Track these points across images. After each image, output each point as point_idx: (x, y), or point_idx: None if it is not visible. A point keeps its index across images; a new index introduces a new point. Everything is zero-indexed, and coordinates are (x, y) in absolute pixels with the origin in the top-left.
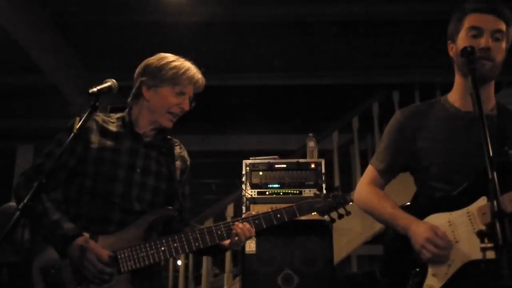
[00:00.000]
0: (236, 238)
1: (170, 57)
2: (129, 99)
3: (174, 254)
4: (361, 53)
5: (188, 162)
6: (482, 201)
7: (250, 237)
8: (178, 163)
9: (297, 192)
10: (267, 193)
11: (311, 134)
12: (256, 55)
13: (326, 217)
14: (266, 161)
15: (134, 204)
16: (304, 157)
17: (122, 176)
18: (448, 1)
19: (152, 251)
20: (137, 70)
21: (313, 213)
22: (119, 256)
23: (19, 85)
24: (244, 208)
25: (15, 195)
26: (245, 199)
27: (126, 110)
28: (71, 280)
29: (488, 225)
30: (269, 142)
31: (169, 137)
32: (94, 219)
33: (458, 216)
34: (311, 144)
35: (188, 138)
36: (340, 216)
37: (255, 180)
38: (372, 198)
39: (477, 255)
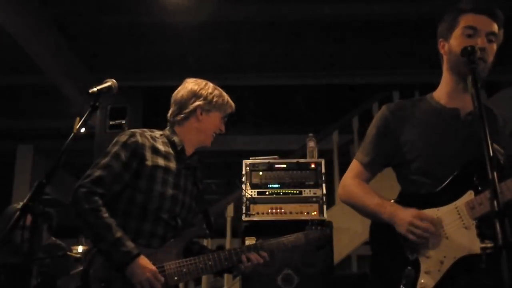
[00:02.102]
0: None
1: (210, 84)
2: (173, 118)
3: (209, 271)
4: (361, 53)
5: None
6: (469, 195)
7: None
8: (200, 184)
9: (297, 192)
10: (267, 193)
11: (311, 134)
12: (255, 55)
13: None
14: (266, 161)
15: (178, 220)
16: (304, 157)
17: (170, 194)
18: (449, 1)
19: (192, 267)
20: (187, 94)
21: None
22: (166, 272)
23: (19, 85)
24: (244, 208)
25: (76, 208)
26: (245, 199)
27: (168, 128)
28: None
29: (478, 219)
30: (269, 142)
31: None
32: (142, 232)
33: (446, 212)
34: (311, 144)
35: None
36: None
37: (255, 180)
38: (357, 191)
39: (469, 250)
